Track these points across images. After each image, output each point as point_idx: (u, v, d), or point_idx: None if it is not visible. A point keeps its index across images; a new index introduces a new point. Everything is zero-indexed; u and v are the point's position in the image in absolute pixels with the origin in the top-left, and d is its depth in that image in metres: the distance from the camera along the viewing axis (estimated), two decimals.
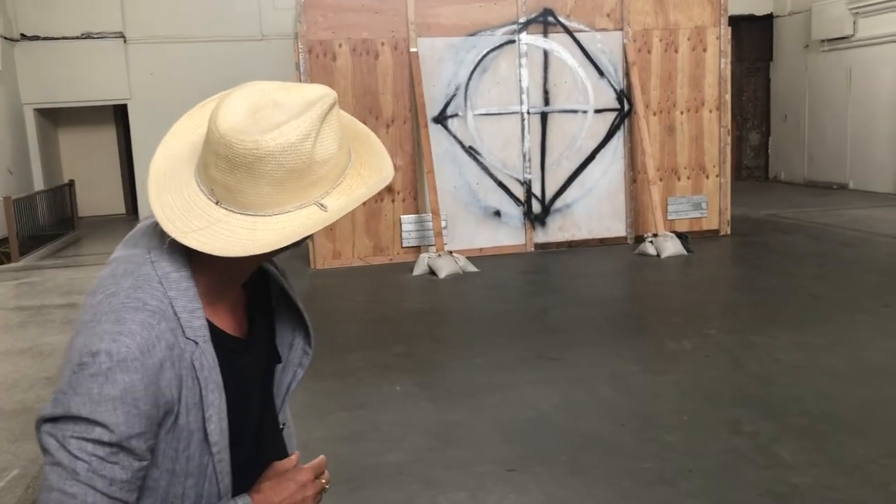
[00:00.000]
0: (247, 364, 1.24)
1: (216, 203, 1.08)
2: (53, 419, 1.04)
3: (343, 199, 1.10)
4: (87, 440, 1.02)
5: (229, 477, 1.19)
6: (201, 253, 1.08)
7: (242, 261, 1.12)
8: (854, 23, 13.05)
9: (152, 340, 1.06)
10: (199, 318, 1.12)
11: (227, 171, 1.06)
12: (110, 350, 1.03)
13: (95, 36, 13.69)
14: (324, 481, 1.28)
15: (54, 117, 14.50)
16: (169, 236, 1.10)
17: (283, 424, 1.42)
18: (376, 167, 1.17)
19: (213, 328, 1.15)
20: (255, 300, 1.30)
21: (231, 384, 1.16)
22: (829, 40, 13.69)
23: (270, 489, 1.21)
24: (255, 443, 1.28)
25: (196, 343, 1.11)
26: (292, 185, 1.06)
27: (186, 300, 1.11)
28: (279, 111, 1.07)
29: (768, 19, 15.44)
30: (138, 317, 1.06)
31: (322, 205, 1.08)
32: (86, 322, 1.08)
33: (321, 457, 1.30)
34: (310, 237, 1.13)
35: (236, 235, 1.07)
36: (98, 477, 1.03)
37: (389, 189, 8.86)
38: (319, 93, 1.10)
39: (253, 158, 1.04)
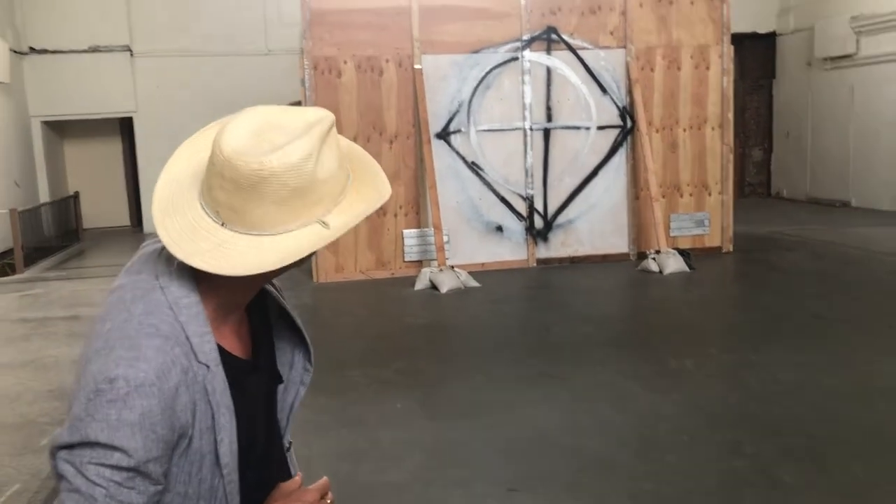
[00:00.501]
0: (253, 385, 1.26)
1: (222, 225, 1.10)
2: (70, 446, 1.05)
3: (344, 216, 1.13)
4: (105, 466, 1.04)
5: (238, 499, 1.21)
6: (207, 277, 1.11)
7: (248, 281, 1.15)
8: (857, 41, 13.10)
9: (168, 365, 1.08)
10: (209, 342, 1.14)
11: (232, 192, 1.08)
12: (127, 376, 1.05)
13: (103, 49, 13.80)
14: (328, 502, 1.30)
15: (60, 129, 14.59)
16: (176, 261, 1.13)
17: (290, 444, 1.45)
18: (374, 185, 1.20)
19: (221, 351, 1.17)
20: (256, 321, 1.31)
21: (240, 406, 1.18)
22: (831, 58, 13.73)
23: None
24: (263, 464, 1.30)
25: (208, 367, 1.13)
26: (296, 203, 1.09)
27: (197, 325, 1.13)
28: (281, 133, 1.10)
29: (771, 37, 15.51)
30: (153, 342, 1.08)
31: (324, 222, 1.12)
32: (98, 350, 1.09)
33: (324, 478, 1.32)
34: (313, 254, 1.15)
35: (243, 255, 1.09)
36: (116, 502, 1.04)
37: (392, 203, 8.89)
38: (318, 115, 1.13)
39: (257, 179, 1.07)
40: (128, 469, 1.05)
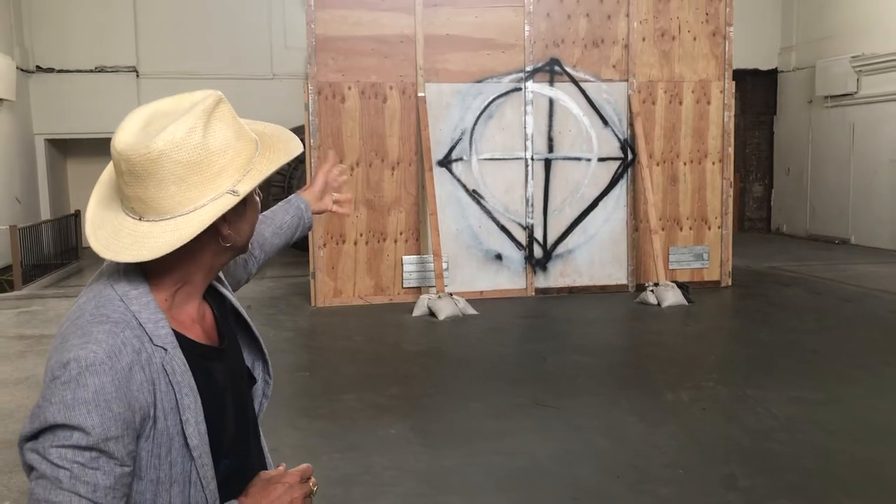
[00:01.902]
0: (219, 372, 1.29)
1: (139, 219, 1.17)
2: (34, 436, 1.09)
3: (253, 181, 1.20)
4: (67, 447, 1.07)
5: (214, 483, 1.22)
6: (154, 271, 1.20)
7: (192, 271, 1.23)
8: (857, 80, 13.23)
9: (118, 346, 1.12)
10: (163, 327, 1.19)
11: (134, 184, 1.15)
12: (78, 357, 1.10)
13: (109, 70, 13.92)
14: (311, 484, 1.31)
15: (63, 148, 14.67)
16: (122, 264, 1.20)
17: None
18: (285, 149, 1.28)
19: (181, 337, 1.22)
20: (220, 320, 1.37)
21: (206, 391, 1.22)
22: (832, 96, 13.86)
23: (258, 492, 1.25)
24: (240, 455, 1.33)
25: (165, 350, 1.17)
26: (196, 178, 1.15)
27: (149, 312, 1.18)
28: (166, 118, 1.17)
29: (773, 74, 15.66)
30: (103, 328, 1.13)
31: (235, 191, 1.18)
32: (55, 346, 1.16)
33: (306, 464, 1.34)
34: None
35: (161, 238, 1.15)
36: (81, 483, 1.06)
37: (392, 229, 8.92)
38: (204, 94, 1.21)
39: (149, 163, 1.13)
40: (88, 448, 1.07)
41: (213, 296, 1.37)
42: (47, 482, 1.07)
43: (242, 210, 1.24)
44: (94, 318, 1.15)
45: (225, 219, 1.20)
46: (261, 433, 1.47)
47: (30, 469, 1.09)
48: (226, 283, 1.45)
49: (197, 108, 1.17)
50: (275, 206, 1.83)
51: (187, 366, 1.20)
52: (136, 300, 1.19)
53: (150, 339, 1.17)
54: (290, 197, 1.86)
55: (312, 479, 1.33)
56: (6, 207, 12.20)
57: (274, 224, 1.78)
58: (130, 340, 1.14)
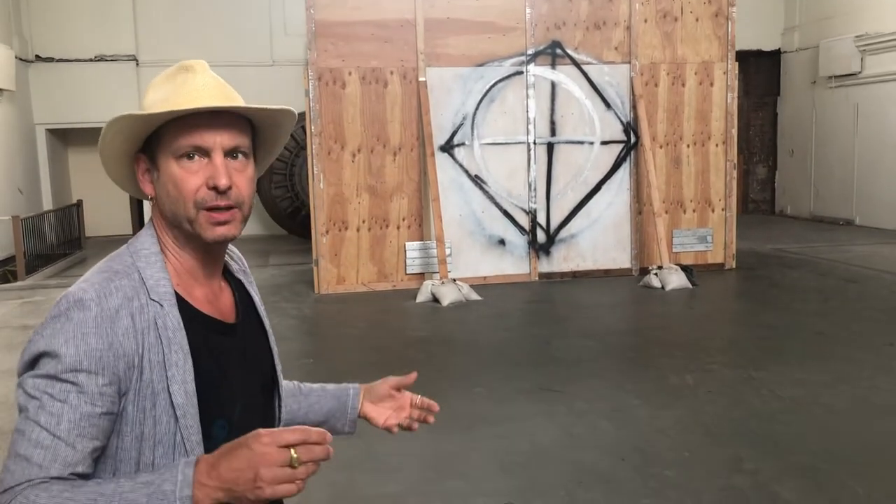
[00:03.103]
0: (224, 346, 1.30)
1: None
2: (24, 373, 1.16)
3: (138, 111, 1.26)
4: (41, 376, 1.12)
5: (201, 448, 1.21)
6: (166, 239, 1.28)
7: (201, 245, 1.28)
8: (861, 60, 13.13)
9: (110, 289, 1.19)
10: (165, 285, 1.24)
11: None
12: (70, 294, 1.18)
13: (108, 58, 13.88)
14: (292, 452, 1.05)
15: (65, 138, 14.64)
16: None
17: None
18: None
19: (185, 303, 1.26)
20: (244, 309, 1.40)
21: (204, 359, 1.24)
22: (836, 77, 13.76)
23: (222, 456, 1.08)
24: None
25: (161, 305, 1.22)
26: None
27: (154, 270, 1.25)
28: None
29: (776, 55, 15.55)
30: (102, 275, 1.22)
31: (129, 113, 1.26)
32: None
33: (298, 427, 1.08)
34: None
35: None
36: (45, 413, 1.10)
37: (394, 216, 8.90)
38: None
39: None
40: (58, 378, 1.11)
41: (243, 298, 1.41)
42: (21, 414, 1.12)
43: (156, 174, 1.27)
44: (99, 269, 1.25)
45: (143, 175, 1.29)
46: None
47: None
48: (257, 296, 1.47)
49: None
50: (327, 386, 1.68)
51: (181, 325, 1.23)
52: (146, 258, 1.26)
53: (148, 292, 1.22)
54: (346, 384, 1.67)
55: (312, 447, 1.08)
56: (8, 198, 12.20)
57: (307, 400, 1.64)
58: (124, 288, 1.20)
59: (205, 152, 1.23)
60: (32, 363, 1.15)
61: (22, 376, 1.15)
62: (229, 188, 1.24)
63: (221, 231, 1.25)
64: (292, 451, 1.05)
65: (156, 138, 1.25)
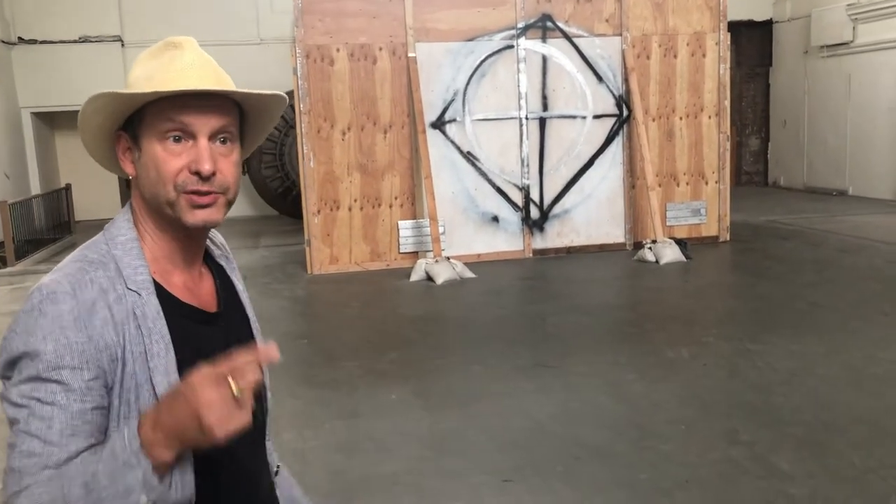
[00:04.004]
0: (205, 336, 1.25)
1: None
2: (3, 377, 1.12)
3: (122, 90, 1.21)
4: (23, 382, 1.08)
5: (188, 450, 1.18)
6: (144, 223, 1.24)
7: (181, 230, 1.22)
8: (853, 29, 13.05)
9: (85, 281, 1.14)
10: (142, 273, 1.19)
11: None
12: (42, 286, 1.13)
13: (93, 40, 13.68)
14: (231, 384, 0.99)
15: (51, 121, 14.48)
16: (119, 213, 1.27)
17: (277, 468, 1.46)
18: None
19: (164, 292, 1.21)
20: (226, 298, 1.36)
21: (184, 350, 1.19)
22: (828, 46, 13.68)
23: (161, 410, 1.04)
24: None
25: (139, 294, 1.17)
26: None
27: (130, 258, 1.20)
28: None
29: (768, 25, 15.44)
30: (76, 265, 1.17)
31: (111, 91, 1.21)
32: None
33: (246, 358, 1.03)
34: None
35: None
36: (36, 419, 1.06)
37: (387, 194, 8.84)
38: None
39: None
40: (41, 378, 1.07)
41: (225, 285, 1.36)
42: (13, 426, 1.08)
43: (138, 153, 1.21)
44: (73, 258, 1.20)
45: (123, 154, 1.24)
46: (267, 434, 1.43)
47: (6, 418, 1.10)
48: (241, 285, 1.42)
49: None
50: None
51: (161, 313, 1.18)
52: (122, 245, 1.21)
53: (125, 281, 1.17)
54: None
55: (249, 376, 1.01)
56: None
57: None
58: (99, 279, 1.15)
59: (190, 135, 1.18)
60: (11, 365, 1.10)
61: (5, 386, 1.10)
62: (213, 174, 1.18)
63: (203, 215, 1.20)
64: (231, 382, 0.99)
65: (139, 117, 1.20)
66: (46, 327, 1.09)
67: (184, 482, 1.07)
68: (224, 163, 1.21)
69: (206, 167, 1.17)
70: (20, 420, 1.07)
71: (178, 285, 1.25)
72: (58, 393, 1.07)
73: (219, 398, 0.99)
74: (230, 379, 1.00)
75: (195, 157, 1.18)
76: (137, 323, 1.16)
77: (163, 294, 1.21)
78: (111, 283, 1.16)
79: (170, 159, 1.18)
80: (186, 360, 1.18)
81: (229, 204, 1.24)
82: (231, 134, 1.23)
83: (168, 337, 1.18)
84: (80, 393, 1.08)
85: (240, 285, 1.41)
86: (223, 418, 0.99)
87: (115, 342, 1.13)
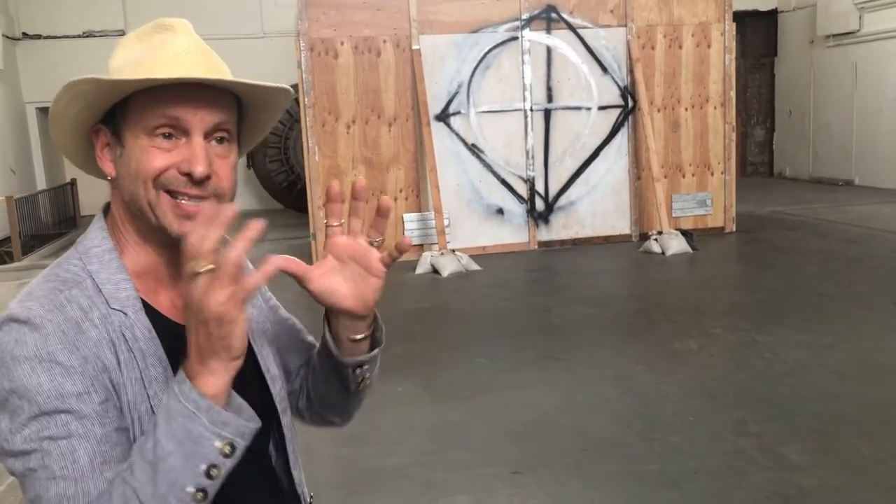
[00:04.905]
0: None
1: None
2: None
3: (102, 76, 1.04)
4: (25, 424, 0.92)
5: None
6: (125, 232, 1.07)
7: (166, 240, 1.05)
8: (860, 18, 12.97)
9: (61, 301, 0.98)
10: (125, 289, 1.04)
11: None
12: (13, 315, 0.96)
13: (97, 34, 13.68)
14: (203, 264, 0.89)
15: None
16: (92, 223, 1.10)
17: (311, 498, 1.30)
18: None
19: (151, 310, 1.06)
20: None
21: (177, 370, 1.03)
22: (834, 35, 13.60)
23: (189, 335, 0.93)
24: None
25: (125, 314, 1.02)
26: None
27: (109, 272, 1.04)
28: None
29: (773, 14, 15.36)
30: (48, 286, 1.01)
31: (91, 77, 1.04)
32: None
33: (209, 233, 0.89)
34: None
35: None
36: (53, 459, 0.91)
37: (392, 187, 8.83)
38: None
39: None
40: (46, 413, 0.91)
41: None
42: (25, 479, 0.93)
43: (120, 150, 1.05)
44: (44, 278, 1.03)
45: (102, 151, 1.07)
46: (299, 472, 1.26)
47: (13, 474, 0.95)
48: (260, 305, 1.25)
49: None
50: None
51: (154, 333, 1.03)
52: (98, 258, 1.05)
53: (107, 301, 1.01)
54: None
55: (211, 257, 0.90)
56: (1, 178, 12.09)
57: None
58: (77, 298, 1.00)
59: (183, 131, 1.02)
60: (1, 408, 0.94)
61: (2, 439, 0.94)
62: (207, 178, 1.02)
63: (192, 226, 1.01)
64: (203, 263, 0.89)
65: (122, 109, 1.03)
66: (32, 357, 0.93)
67: (241, 406, 0.95)
68: (220, 165, 1.05)
69: (200, 169, 1.01)
70: (35, 468, 0.91)
71: (165, 303, 1.09)
72: (71, 423, 0.92)
73: (205, 282, 0.88)
74: (203, 263, 0.89)
75: (187, 157, 1.02)
76: (128, 346, 1.00)
77: (150, 312, 1.05)
78: (91, 303, 1.00)
79: (156, 154, 1.02)
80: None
81: None
82: (229, 133, 1.07)
83: (165, 359, 1.03)
84: (97, 416, 0.94)
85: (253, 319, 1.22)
86: (221, 299, 0.88)
87: (114, 364, 0.98)
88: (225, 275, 0.88)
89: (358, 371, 1.23)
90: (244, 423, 0.94)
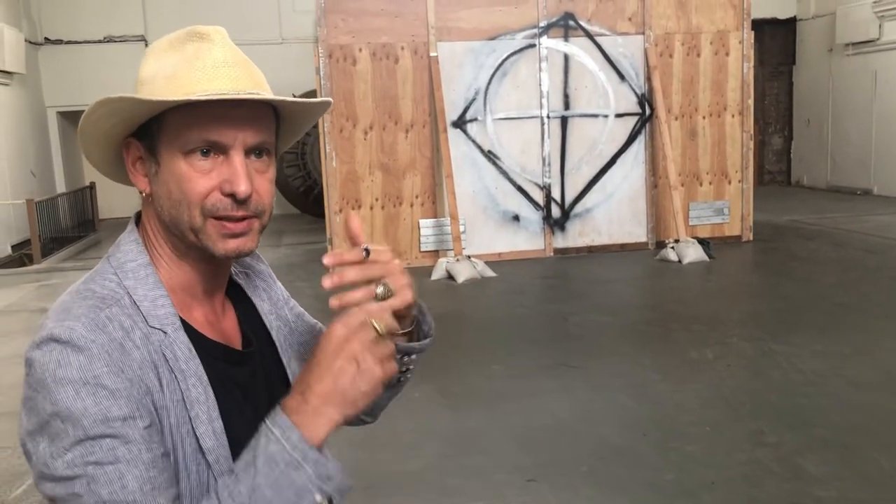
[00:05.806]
0: (238, 379, 1.08)
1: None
2: (33, 440, 0.92)
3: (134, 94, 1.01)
4: (69, 448, 0.88)
5: None
6: (158, 247, 1.05)
7: (205, 257, 1.04)
8: (880, 26, 12.88)
9: (102, 320, 0.94)
10: (164, 306, 1.01)
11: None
12: (54, 335, 0.92)
13: (118, 39, 13.84)
14: (373, 323, 0.93)
15: (76, 120, 14.52)
16: (124, 233, 1.07)
17: None
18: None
19: (188, 328, 1.03)
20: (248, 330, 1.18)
21: (223, 394, 1.02)
22: (853, 44, 13.52)
23: (306, 377, 0.94)
24: None
25: (164, 332, 0.99)
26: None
27: (146, 288, 1.01)
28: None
29: (791, 23, 15.29)
30: (85, 303, 0.96)
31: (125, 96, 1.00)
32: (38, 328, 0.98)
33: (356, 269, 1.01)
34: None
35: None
36: (101, 484, 0.88)
37: (408, 193, 8.85)
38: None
39: None
40: (93, 438, 0.88)
41: (247, 313, 1.17)
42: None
43: (155, 167, 1.02)
44: (78, 293, 0.99)
45: (134, 165, 1.05)
46: None
47: (52, 500, 0.91)
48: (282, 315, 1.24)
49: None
50: None
51: (193, 352, 1.00)
52: (133, 273, 1.01)
53: (146, 319, 0.98)
54: None
55: (385, 307, 0.98)
56: (22, 181, 12.24)
57: None
58: (118, 316, 0.96)
59: (222, 149, 0.99)
60: (40, 432, 0.91)
61: (38, 464, 0.90)
62: (249, 196, 1.00)
63: (235, 245, 1.02)
64: (373, 322, 0.93)
65: (157, 124, 1.00)
66: (77, 380, 0.89)
67: (334, 460, 0.95)
68: (260, 181, 1.02)
69: (243, 188, 0.99)
70: (81, 494, 0.88)
71: (199, 319, 1.07)
72: (118, 448, 0.89)
73: (367, 337, 0.93)
74: (372, 321, 0.93)
75: (228, 177, 0.99)
76: (169, 366, 0.97)
77: (188, 330, 1.02)
78: (132, 321, 0.97)
79: (197, 178, 0.99)
80: (228, 406, 1.02)
81: (263, 228, 1.06)
82: (269, 148, 1.04)
83: (206, 378, 1.00)
84: (143, 441, 0.91)
85: (265, 306, 1.21)
86: (378, 356, 0.92)
87: (156, 386, 0.95)
88: (390, 348, 0.93)
89: (406, 359, 1.22)
90: (344, 479, 0.93)
